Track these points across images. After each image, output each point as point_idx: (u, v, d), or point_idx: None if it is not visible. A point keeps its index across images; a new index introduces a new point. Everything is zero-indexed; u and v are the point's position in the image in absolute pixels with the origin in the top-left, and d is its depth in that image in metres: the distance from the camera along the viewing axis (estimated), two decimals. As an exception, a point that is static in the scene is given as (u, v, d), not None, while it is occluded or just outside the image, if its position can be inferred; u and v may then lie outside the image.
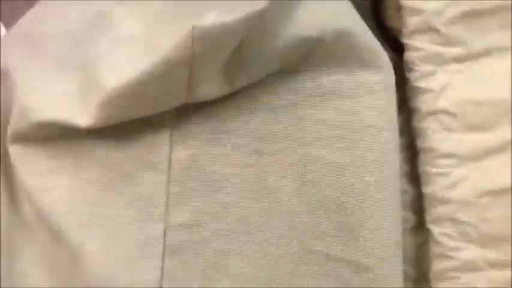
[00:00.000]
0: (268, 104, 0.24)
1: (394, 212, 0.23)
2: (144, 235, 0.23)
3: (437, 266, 0.25)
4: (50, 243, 0.23)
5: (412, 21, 0.26)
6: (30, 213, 0.24)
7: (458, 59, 0.25)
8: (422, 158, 0.26)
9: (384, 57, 0.24)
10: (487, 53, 0.25)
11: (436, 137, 0.25)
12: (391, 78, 0.24)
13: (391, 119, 0.24)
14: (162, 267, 0.23)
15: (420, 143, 0.26)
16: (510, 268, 0.24)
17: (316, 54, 0.23)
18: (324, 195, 0.23)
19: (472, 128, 0.25)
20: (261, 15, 0.21)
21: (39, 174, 0.23)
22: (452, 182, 0.25)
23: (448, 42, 0.25)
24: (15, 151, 0.23)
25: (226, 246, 0.23)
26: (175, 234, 0.23)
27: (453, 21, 0.25)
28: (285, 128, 0.24)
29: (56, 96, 0.23)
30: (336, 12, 0.23)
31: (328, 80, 0.24)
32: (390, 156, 0.24)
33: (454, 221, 0.24)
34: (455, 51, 0.25)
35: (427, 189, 0.26)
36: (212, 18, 0.20)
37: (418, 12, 0.25)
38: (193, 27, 0.20)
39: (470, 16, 0.25)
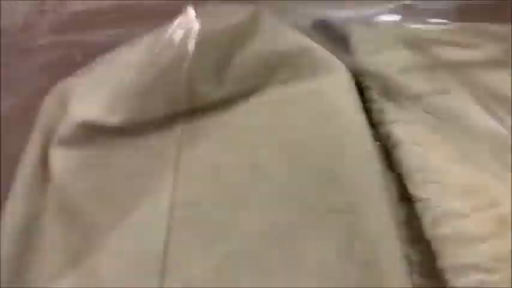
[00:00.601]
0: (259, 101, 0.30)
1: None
2: (151, 212, 0.26)
3: None
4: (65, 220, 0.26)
5: None
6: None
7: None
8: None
9: (337, 62, 0.31)
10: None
11: None
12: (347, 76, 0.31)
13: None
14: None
15: None
16: None
17: (284, 66, 0.30)
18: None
19: None
20: (238, 26, 0.29)
21: (71, 170, 0.28)
22: None
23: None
24: (54, 152, 0.28)
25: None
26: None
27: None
28: (269, 121, 0.29)
29: (94, 103, 0.29)
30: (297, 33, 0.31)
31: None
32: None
33: None
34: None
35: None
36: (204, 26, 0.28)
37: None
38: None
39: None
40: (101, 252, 0.25)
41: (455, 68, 0.31)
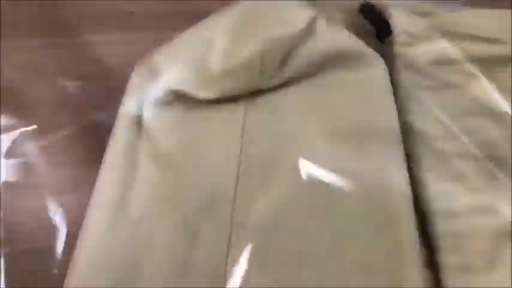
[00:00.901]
0: (309, 84, 0.37)
1: None
2: (223, 162, 0.33)
3: None
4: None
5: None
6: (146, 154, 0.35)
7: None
8: None
9: (377, 57, 0.37)
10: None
11: None
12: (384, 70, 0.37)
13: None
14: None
15: None
16: None
17: (332, 59, 0.37)
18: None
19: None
20: (298, 32, 0.36)
21: (162, 126, 0.36)
22: None
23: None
24: (149, 110, 0.36)
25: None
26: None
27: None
28: (316, 97, 0.36)
29: (186, 78, 0.37)
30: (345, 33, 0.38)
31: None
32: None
33: None
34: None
35: None
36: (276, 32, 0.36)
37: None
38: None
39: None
40: (186, 188, 0.32)
41: (484, 62, 0.36)
